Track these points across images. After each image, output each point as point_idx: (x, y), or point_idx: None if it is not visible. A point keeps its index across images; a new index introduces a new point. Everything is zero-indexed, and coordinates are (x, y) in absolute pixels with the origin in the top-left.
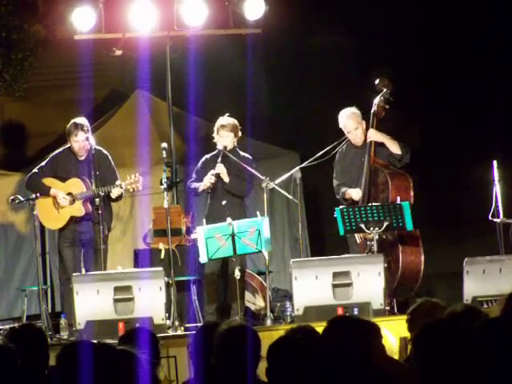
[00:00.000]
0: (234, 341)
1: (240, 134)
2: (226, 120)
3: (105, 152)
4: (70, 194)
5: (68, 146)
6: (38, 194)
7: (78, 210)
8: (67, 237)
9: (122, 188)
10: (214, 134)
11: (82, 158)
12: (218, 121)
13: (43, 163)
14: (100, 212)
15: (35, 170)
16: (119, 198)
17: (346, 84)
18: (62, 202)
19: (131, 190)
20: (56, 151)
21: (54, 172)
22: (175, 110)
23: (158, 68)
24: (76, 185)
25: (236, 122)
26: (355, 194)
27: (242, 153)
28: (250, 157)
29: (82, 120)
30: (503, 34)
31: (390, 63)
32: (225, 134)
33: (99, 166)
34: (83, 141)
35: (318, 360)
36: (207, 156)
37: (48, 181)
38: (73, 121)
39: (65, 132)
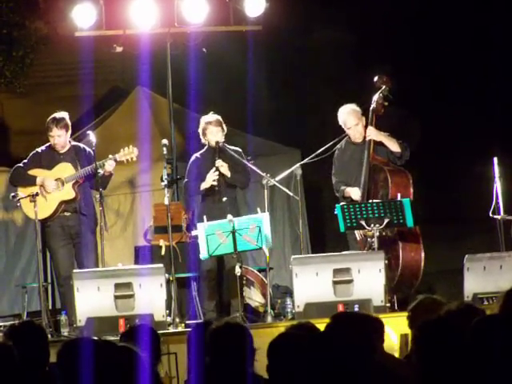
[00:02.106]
0: (222, 340)
1: (225, 129)
2: (210, 117)
3: (88, 149)
4: (58, 179)
5: (50, 143)
6: (37, 192)
7: (68, 193)
8: (57, 233)
9: (115, 161)
10: (201, 135)
11: (63, 151)
12: (202, 120)
13: (26, 159)
14: (101, 208)
15: (19, 164)
16: (107, 179)
17: (347, 81)
18: (50, 187)
19: (125, 162)
20: (39, 147)
21: (39, 166)
22: (176, 106)
23: (159, 65)
24: (65, 169)
25: (220, 117)
26: (354, 193)
27: (231, 147)
28: (240, 149)
29: (60, 115)
30: (503, 31)
31: (390, 60)
32: (214, 129)
33: (83, 158)
34: (58, 136)
35: (319, 356)
36: (197, 155)
37: (33, 171)
38: (53, 115)
39: None
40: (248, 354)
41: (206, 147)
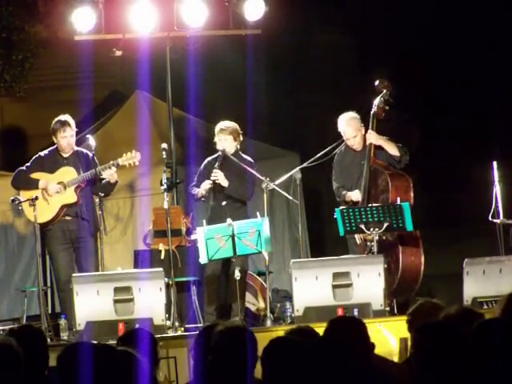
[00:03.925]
0: (231, 342)
1: (241, 138)
2: (225, 124)
3: (90, 154)
4: (60, 182)
5: (54, 147)
6: (36, 196)
7: (70, 196)
8: (58, 237)
9: (117, 166)
10: (215, 138)
11: (67, 155)
12: (217, 124)
13: (29, 163)
14: (100, 212)
15: (21, 167)
16: (112, 187)
17: (347, 85)
18: (53, 190)
19: (127, 166)
20: (42, 152)
21: (41, 169)
22: (175, 110)
23: (158, 69)
24: (68, 172)
25: (236, 126)
26: (355, 195)
27: (244, 156)
28: (252, 160)
29: (67, 117)
30: (504, 34)
31: (390, 63)
32: (223, 137)
33: (85, 163)
34: (71, 136)
35: (317, 360)
36: (209, 158)
37: (36, 175)
38: (57, 118)
39: None
40: (252, 359)
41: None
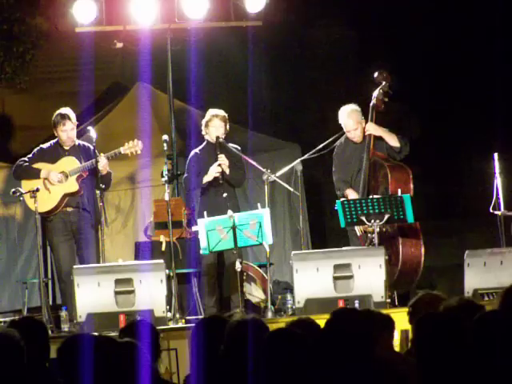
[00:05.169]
0: (248, 333)
1: (228, 127)
2: (218, 110)
3: (92, 147)
4: (62, 172)
5: (55, 139)
6: (37, 187)
7: (72, 185)
8: (59, 229)
9: (119, 154)
10: (203, 126)
11: (68, 147)
12: (209, 112)
13: (30, 154)
14: (101, 204)
15: (23, 158)
16: (107, 178)
17: (347, 75)
18: (55, 179)
19: (129, 155)
20: (43, 144)
21: (42, 161)
22: (176, 102)
23: (159, 60)
24: (69, 162)
25: (226, 115)
26: (352, 196)
27: (230, 144)
28: (239, 147)
29: (67, 110)
30: (504, 25)
31: (390, 55)
32: (218, 123)
33: (86, 156)
34: (71, 130)
35: (317, 352)
36: (196, 150)
37: (37, 165)
38: (58, 112)
39: None
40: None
41: (204, 142)
